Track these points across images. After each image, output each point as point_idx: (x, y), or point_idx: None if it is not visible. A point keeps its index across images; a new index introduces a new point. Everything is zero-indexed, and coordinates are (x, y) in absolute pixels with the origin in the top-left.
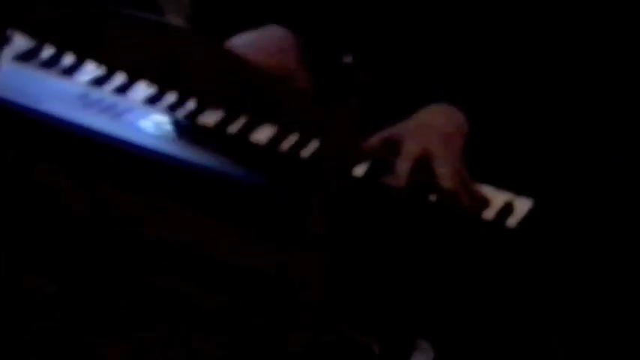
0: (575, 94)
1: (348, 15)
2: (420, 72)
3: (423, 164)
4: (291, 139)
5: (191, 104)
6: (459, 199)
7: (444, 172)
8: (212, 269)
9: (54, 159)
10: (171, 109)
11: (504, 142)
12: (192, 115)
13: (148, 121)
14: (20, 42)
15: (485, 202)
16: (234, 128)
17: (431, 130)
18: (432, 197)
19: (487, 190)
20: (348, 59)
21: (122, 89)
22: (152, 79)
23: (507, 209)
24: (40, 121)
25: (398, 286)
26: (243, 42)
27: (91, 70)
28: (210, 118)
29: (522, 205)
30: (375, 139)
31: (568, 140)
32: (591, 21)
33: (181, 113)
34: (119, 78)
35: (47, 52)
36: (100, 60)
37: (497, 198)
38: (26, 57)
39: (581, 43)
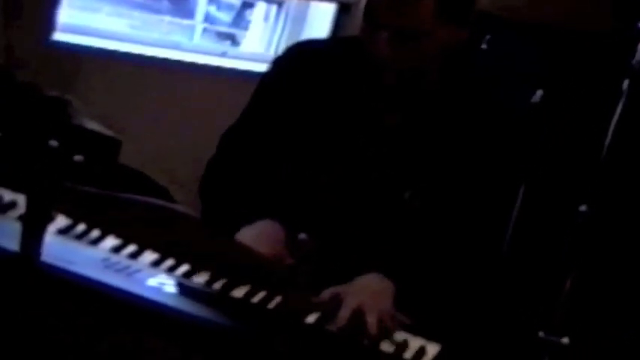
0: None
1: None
2: (357, 251)
3: (359, 315)
4: (260, 295)
5: (184, 267)
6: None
7: (371, 322)
8: None
9: (81, 307)
10: (170, 270)
11: (420, 304)
12: (186, 276)
13: (153, 280)
14: (61, 220)
15: (404, 344)
16: (217, 286)
17: (365, 290)
18: (365, 341)
19: (406, 336)
20: (302, 236)
21: (134, 255)
22: (156, 249)
23: (421, 351)
24: (73, 279)
25: None
26: (245, 235)
27: (111, 241)
28: (199, 278)
29: (432, 349)
30: (325, 294)
31: (462, 305)
32: None
33: (178, 274)
34: (132, 247)
35: (80, 227)
36: (117, 234)
37: (413, 342)
38: (65, 231)
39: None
